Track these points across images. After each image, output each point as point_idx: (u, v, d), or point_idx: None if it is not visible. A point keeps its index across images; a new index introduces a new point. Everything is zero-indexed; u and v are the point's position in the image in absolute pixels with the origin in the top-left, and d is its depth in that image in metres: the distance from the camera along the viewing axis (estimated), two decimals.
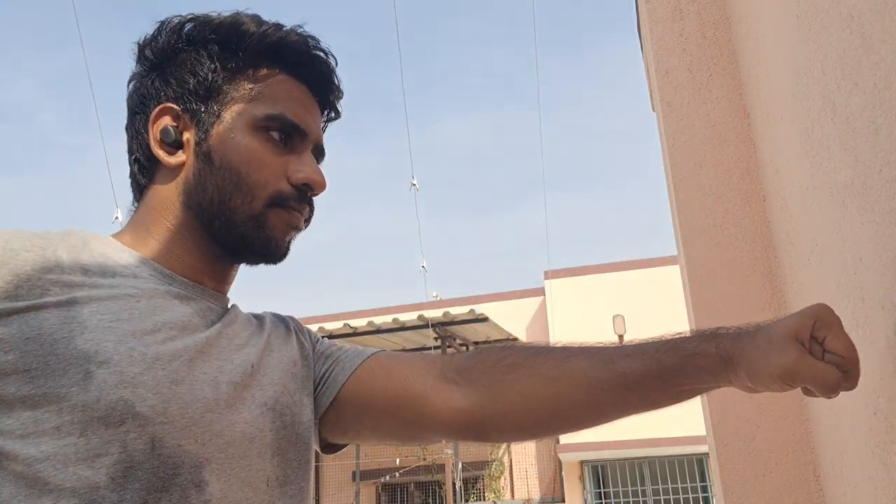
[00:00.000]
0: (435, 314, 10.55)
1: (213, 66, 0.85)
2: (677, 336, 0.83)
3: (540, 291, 13.18)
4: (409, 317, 10.81)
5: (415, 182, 8.16)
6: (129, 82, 0.90)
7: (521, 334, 12.61)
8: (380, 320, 10.94)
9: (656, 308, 11.44)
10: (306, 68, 0.89)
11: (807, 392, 0.73)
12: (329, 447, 0.97)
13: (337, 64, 0.92)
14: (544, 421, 0.88)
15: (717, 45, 1.79)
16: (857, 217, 0.91)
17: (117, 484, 0.69)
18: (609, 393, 0.84)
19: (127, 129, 0.90)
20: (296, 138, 0.87)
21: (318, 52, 0.90)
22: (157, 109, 0.86)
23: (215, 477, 0.74)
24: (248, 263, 0.89)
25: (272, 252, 0.86)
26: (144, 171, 0.87)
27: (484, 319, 10.48)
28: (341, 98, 0.95)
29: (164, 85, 0.86)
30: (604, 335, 11.74)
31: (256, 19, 0.87)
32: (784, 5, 1.16)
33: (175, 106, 0.86)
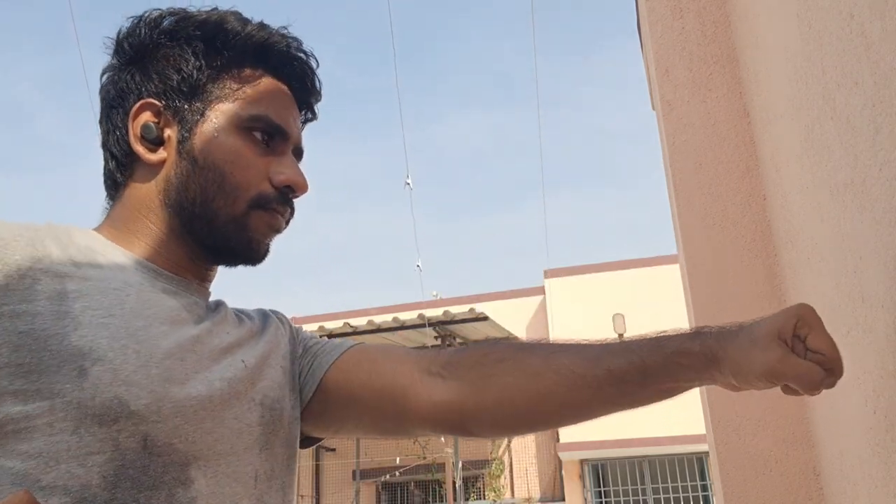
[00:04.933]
0: (435, 313, 10.56)
1: (198, 63, 0.84)
2: (661, 334, 0.83)
3: (540, 290, 13.18)
4: (408, 316, 10.82)
5: (409, 181, 8.18)
6: (103, 74, 0.88)
7: (521, 333, 12.61)
8: (380, 319, 10.95)
9: (656, 307, 11.43)
10: (289, 70, 0.89)
11: (788, 391, 0.75)
12: (307, 440, 0.96)
13: (318, 66, 0.92)
14: (525, 416, 0.88)
15: (717, 43, 1.79)
16: (857, 216, 0.91)
17: (109, 483, 0.68)
18: (593, 390, 0.84)
19: (101, 122, 0.88)
20: (278, 139, 0.86)
21: (301, 54, 0.89)
22: (137, 105, 0.84)
23: (202, 473, 0.74)
24: (226, 265, 0.88)
25: (252, 254, 0.86)
26: (122, 167, 0.86)
27: (484, 318, 10.49)
28: (320, 100, 0.94)
29: (145, 80, 0.85)
30: (604, 334, 11.67)
31: (241, 18, 0.86)
32: (784, 4, 1.16)
33: (157, 102, 0.84)
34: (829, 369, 0.71)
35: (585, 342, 0.87)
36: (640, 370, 0.81)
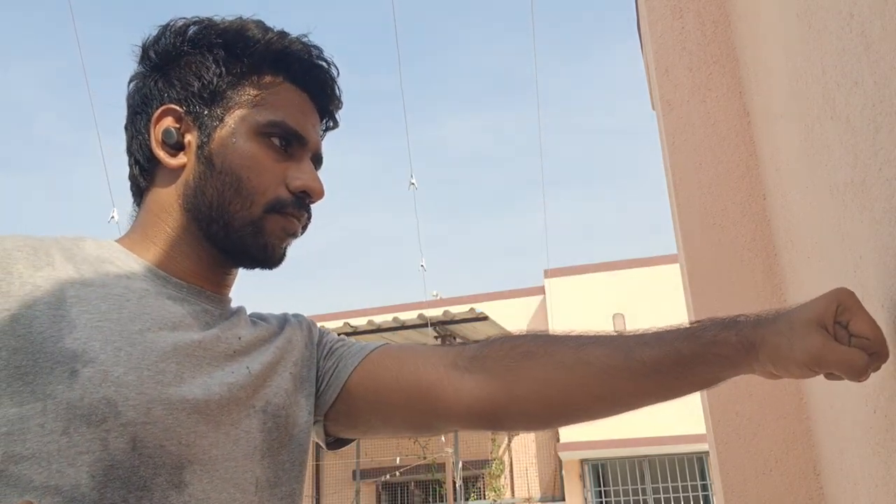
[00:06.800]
0: (435, 313, 10.56)
1: (218, 70, 0.86)
2: (695, 324, 0.81)
3: (540, 290, 13.18)
4: (409, 316, 10.82)
5: (413, 181, 8.19)
6: (130, 82, 0.91)
7: None
8: (380, 319, 10.95)
9: (656, 307, 11.43)
10: (308, 77, 0.90)
11: (831, 377, 0.72)
12: (337, 442, 0.97)
13: (339, 74, 0.93)
14: (558, 409, 0.87)
15: (717, 43, 1.79)
16: (857, 216, 0.91)
17: (97, 482, 0.69)
18: (626, 382, 0.83)
19: (126, 128, 0.90)
20: (296, 145, 0.87)
21: (321, 62, 0.91)
22: (159, 110, 0.86)
23: (197, 477, 0.74)
24: (244, 268, 0.90)
25: (269, 257, 0.87)
26: (144, 172, 0.88)
27: (484, 318, 10.49)
28: (341, 108, 0.96)
29: (168, 86, 0.87)
30: None
31: (262, 26, 0.88)
32: (784, 3, 1.16)
33: (178, 108, 0.86)
34: (873, 353, 0.69)
35: (616, 333, 0.86)
36: (674, 361, 0.80)
